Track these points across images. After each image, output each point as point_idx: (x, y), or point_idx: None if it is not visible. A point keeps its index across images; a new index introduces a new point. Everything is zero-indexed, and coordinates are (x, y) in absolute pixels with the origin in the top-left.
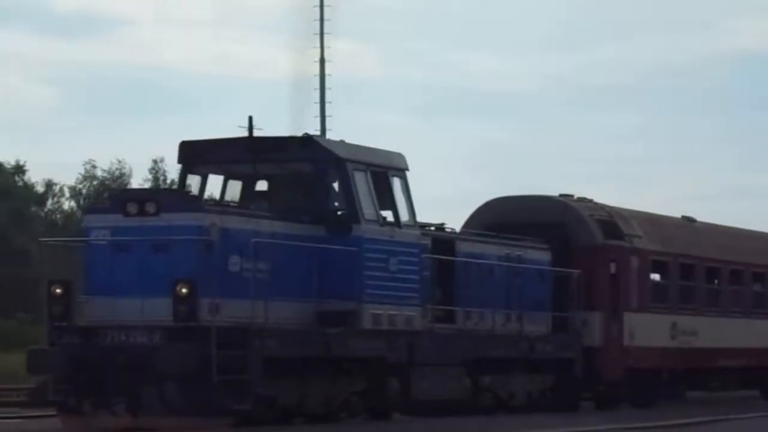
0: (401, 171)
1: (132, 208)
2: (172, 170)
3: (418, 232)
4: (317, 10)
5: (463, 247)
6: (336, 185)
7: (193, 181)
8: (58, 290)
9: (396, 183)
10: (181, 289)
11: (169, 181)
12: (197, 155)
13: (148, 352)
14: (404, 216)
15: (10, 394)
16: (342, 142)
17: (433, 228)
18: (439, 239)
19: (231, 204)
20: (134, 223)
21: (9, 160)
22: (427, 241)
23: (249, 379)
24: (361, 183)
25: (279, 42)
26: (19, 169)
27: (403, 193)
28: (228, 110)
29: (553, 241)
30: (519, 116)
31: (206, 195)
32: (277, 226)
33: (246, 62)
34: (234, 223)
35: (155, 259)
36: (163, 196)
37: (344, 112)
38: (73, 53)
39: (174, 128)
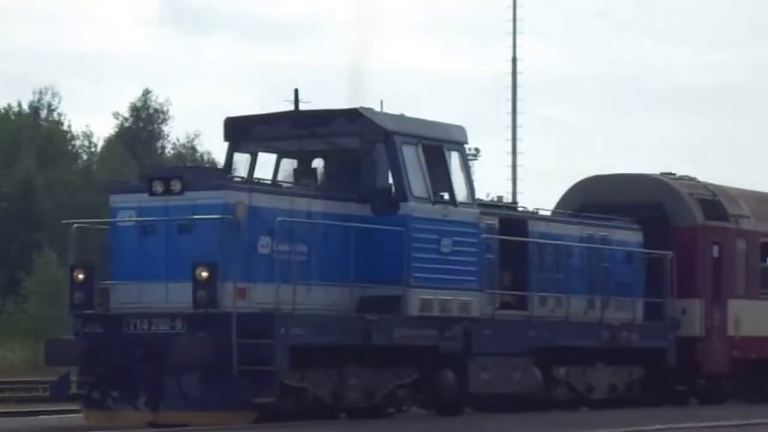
0: (459, 145)
1: (157, 186)
2: None
3: (476, 210)
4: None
5: (537, 227)
6: (384, 161)
7: (242, 160)
8: (80, 276)
9: (453, 158)
10: (200, 273)
11: None
12: (243, 132)
13: (167, 341)
14: (461, 193)
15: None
16: (399, 115)
17: (503, 207)
18: (508, 219)
19: (263, 182)
20: (160, 203)
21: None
22: (494, 221)
23: (273, 369)
24: (411, 157)
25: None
26: None
27: (462, 169)
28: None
29: (650, 222)
30: (704, 109)
31: (257, 174)
32: (317, 205)
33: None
34: (264, 201)
35: (180, 240)
36: (188, 173)
37: (529, 107)
38: (274, 56)
39: None
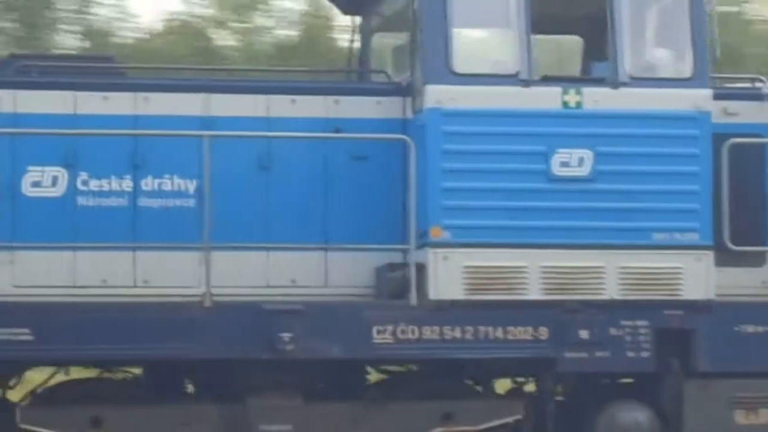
0: None
1: None
2: None
3: (702, 92)
4: None
5: None
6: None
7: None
8: None
9: None
10: None
11: None
12: None
13: None
14: (662, 62)
15: None
16: None
17: None
18: None
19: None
20: None
21: None
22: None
23: None
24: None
25: None
26: None
27: (689, 17)
28: None
29: None
30: None
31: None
32: (222, 107)
33: None
34: (41, 103)
35: None
36: None
37: None
38: None
39: None
